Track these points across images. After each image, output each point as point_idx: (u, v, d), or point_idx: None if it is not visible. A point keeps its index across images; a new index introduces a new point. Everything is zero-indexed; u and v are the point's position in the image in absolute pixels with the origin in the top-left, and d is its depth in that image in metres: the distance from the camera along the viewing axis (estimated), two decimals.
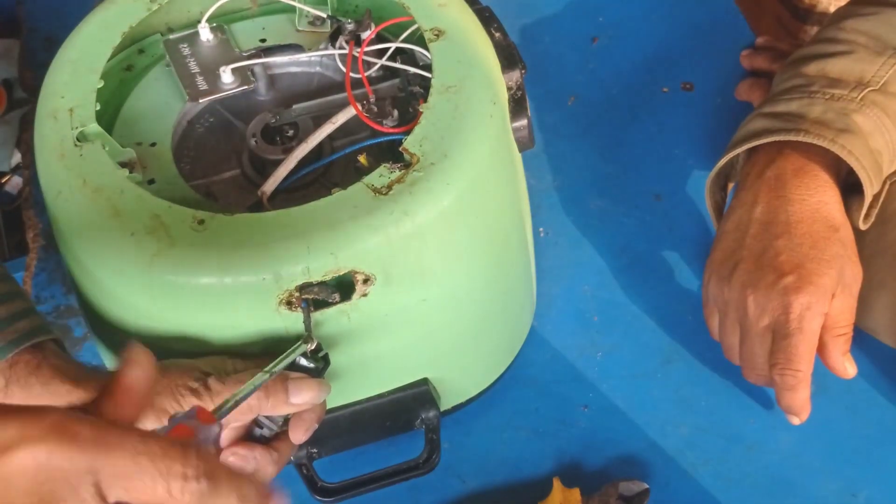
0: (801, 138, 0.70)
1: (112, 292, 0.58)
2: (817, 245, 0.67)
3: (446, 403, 0.70)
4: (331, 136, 0.64)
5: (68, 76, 0.62)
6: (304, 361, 0.56)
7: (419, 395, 0.66)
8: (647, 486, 0.67)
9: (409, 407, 0.67)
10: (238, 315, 0.55)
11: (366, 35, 0.66)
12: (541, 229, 0.84)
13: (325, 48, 0.68)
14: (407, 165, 0.56)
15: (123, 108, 0.67)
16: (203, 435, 0.45)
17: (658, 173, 0.88)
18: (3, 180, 1.15)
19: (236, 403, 0.50)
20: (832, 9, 1.06)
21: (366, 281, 0.56)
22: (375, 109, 0.64)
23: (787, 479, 0.70)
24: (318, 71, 0.70)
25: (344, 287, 0.56)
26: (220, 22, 0.69)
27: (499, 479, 0.70)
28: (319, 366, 0.57)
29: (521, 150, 0.66)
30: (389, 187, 0.55)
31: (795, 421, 0.69)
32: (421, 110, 0.59)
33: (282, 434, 0.59)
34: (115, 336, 0.60)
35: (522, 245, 0.69)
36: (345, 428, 0.66)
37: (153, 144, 0.64)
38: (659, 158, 0.89)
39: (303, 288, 0.54)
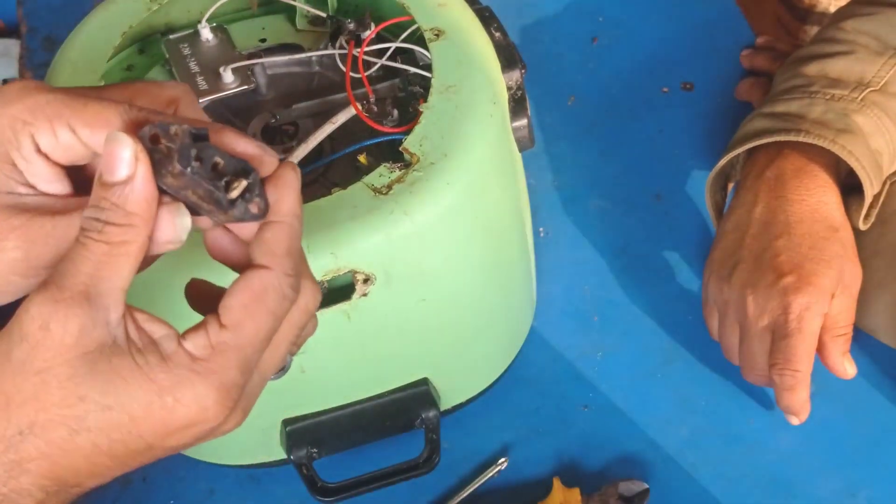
0: (801, 139, 0.70)
1: None
2: (817, 245, 0.67)
3: (446, 403, 0.70)
4: (331, 136, 0.64)
5: (68, 76, 0.62)
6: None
7: (419, 395, 0.66)
8: (647, 486, 0.67)
9: (409, 407, 0.67)
10: None
11: (366, 35, 0.66)
12: (541, 229, 0.84)
13: (325, 48, 0.68)
14: (407, 165, 0.56)
15: None
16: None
17: (658, 173, 0.88)
18: None
19: None
20: (832, 9, 1.06)
21: (366, 281, 0.56)
22: (375, 109, 0.64)
23: (787, 479, 0.70)
24: (318, 71, 0.70)
25: (344, 287, 0.56)
26: (220, 22, 0.69)
27: (499, 479, 0.70)
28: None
29: (521, 150, 0.66)
30: (389, 187, 0.55)
31: (795, 421, 0.69)
32: (421, 110, 0.59)
33: None
34: None
35: (522, 245, 0.69)
36: (345, 428, 0.66)
37: None
38: (659, 158, 0.89)
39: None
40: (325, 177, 0.64)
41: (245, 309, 0.39)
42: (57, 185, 0.41)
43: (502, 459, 0.70)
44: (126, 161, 0.36)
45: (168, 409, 0.38)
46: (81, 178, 0.42)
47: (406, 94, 0.65)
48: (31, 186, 0.40)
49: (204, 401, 0.38)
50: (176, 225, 0.38)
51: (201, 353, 0.38)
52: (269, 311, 0.39)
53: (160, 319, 0.39)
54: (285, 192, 0.39)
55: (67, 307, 0.36)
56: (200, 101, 0.65)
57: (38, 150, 0.39)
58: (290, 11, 0.71)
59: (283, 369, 0.45)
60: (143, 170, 0.37)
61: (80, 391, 0.37)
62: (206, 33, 0.67)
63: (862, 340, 0.74)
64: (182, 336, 0.39)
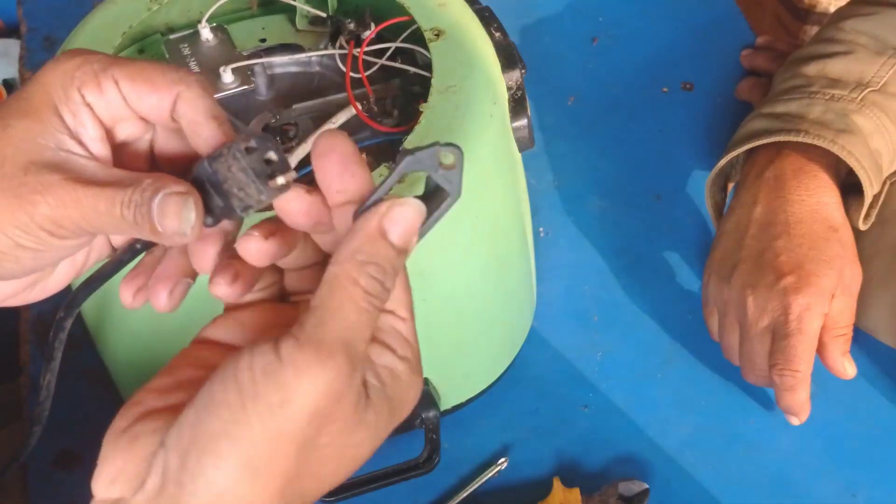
0: (800, 139, 0.70)
1: (113, 293, 0.58)
2: (817, 245, 0.67)
3: (446, 403, 0.70)
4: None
5: None
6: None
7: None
8: (647, 486, 0.67)
9: None
10: None
11: (366, 35, 0.66)
12: (541, 229, 0.84)
13: (325, 48, 0.68)
14: None
15: None
16: None
17: (658, 173, 0.88)
18: None
19: None
20: (832, 9, 1.06)
21: None
22: (375, 109, 0.64)
23: (787, 479, 0.70)
24: (318, 71, 0.70)
25: None
26: (220, 22, 0.69)
27: (499, 479, 0.70)
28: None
29: (521, 150, 0.66)
30: (389, 187, 0.55)
31: (795, 421, 0.69)
32: (421, 110, 0.59)
33: None
34: (116, 337, 0.60)
35: (522, 245, 0.69)
36: None
37: None
38: (659, 158, 0.89)
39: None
40: None
41: (404, 289, 0.40)
42: (100, 146, 0.40)
43: (502, 459, 0.70)
44: (415, 231, 0.38)
45: (405, 414, 0.39)
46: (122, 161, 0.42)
47: (406, 94, 0.65)
48: (78, 141, 0.39)
49: (420, 388, 0.41)
50: (181, 217, 0.37)
51: (407, 353, 0.40)
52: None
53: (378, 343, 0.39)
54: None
55: (356, 374, 0.36)
56: None
57: (85, 103, 0.39)
58: (290, 11, 0.71)
59: None
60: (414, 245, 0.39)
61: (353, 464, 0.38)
62: (206, 33, 0.67)
63: (862, 340, 0.74)
64: (387, 345, 0.39)
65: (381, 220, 0.37)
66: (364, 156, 0.63)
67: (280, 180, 0.37)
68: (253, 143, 0.37)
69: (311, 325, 0.35)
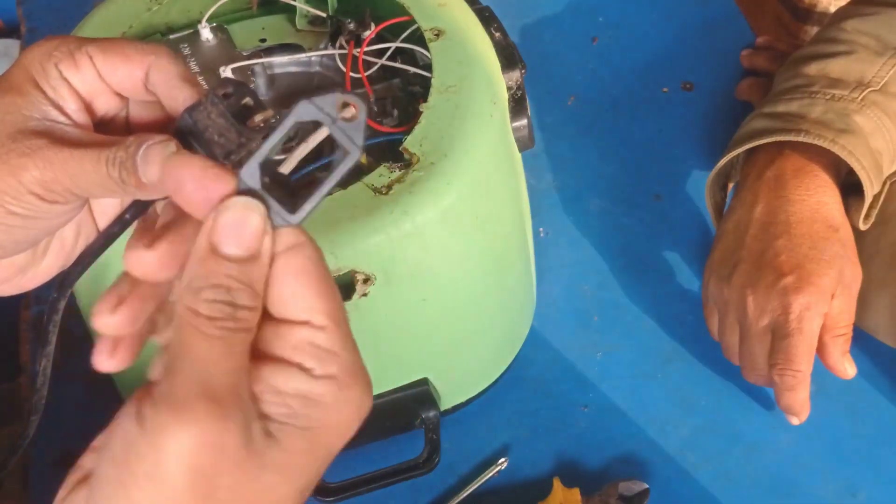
0: (801, 139, 0.70)
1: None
2: (817, 245, 0.67)
3: (446, 403, 0.70)
4: (331, 136, 0.64)
5: None
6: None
7: (419, 395, 0.66)
8: (647, 486, 0.67)
9: (409, 407, 0.67)
10: None
11: (366, 35, 0.66)
12: (541, 229, 0.84)
13: (325, 48, 0.68)
14: (407, 165, 0.56)
15: None
16: None
17: (658, 173, 0.88)
18: None
19: None
20: (832, 9, 1.06)
21: (366, 281, 0.56)
22: (375, 109, 0.64)
23: (787, 479, 0.70)
24: (318, 71, 0.70)
25: (344, 287, 0.56)
26: (220, 22, 0.69)
27: (499, 479, 0.70)
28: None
29: (521, 150, 0.66)
30: (389, 187, 0.55)
31: (795, 421, 0.69)
32: (421, 110, 0.59)
33: None
34: None
35: (522, 245, 0.69)
36: None
37: None
38: (659, 158, 0.89)
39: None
40: None
41: (319, 294, 0.35)
42: (82, 116, 0.40)
43: (502, 459, 0.70)
44: (255, 232, 0.34)
45: (342, 438, 0.35)
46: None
47: (406, 94, 0.65)
48: (61, 111, 0.40)
49: (363, 401, 0.35)
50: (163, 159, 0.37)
51: (331, 369, 0.34)
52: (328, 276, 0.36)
53: (275, 362, 0.34)
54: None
55: (229, 418, 0.32)
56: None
57: (63, 78, 0.40)
58: (290, 11, 0.71)
59: None
60: (269, 244, 0.34)
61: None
62: (206, 33, 0.67)
63: (862, 340, 0.74)
64: (298, 365, 0.34)
65: (209, 237, 0.34)
66: (365, 156, 0.63)
67: (258, 118, 0.37)
68: (230, 90, 0.37)
69: (162, 375, 0.33)
